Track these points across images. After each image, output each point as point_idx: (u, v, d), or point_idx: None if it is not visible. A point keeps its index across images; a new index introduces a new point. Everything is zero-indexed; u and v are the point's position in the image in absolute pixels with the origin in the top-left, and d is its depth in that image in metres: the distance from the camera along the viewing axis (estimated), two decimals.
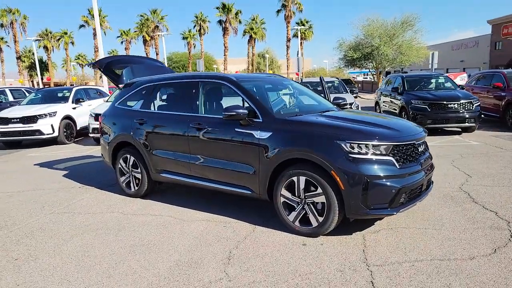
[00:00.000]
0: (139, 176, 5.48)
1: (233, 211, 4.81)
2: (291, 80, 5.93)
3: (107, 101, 12.64)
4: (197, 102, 4.86)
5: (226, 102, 5.35)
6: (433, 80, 12.26)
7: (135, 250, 3.80)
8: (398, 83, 12.27)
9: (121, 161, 5.67)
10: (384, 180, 3.58)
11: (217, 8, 51.78)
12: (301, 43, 48.89)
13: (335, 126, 3.93)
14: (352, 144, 3.64)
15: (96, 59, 7.02)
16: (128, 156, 5.55)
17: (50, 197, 5.83)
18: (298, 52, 42.09)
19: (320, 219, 3.81)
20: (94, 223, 4.63)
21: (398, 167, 3.66)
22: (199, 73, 5.30)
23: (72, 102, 12.63)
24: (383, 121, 4.25)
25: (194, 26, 55.35)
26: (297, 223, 3.98)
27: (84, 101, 13.02)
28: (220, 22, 52.40)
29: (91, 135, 11.28)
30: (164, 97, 5.57)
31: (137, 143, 5.35)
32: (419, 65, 33.84)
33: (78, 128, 12.54)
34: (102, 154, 6.28)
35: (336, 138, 3.70)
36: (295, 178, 3.91)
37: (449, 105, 10.26)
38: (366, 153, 3.62)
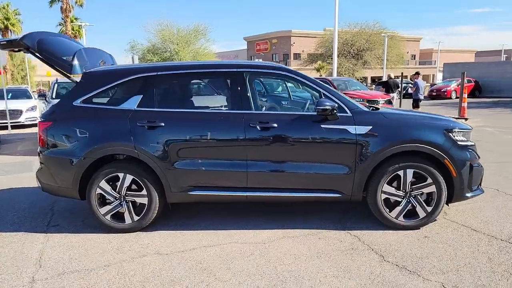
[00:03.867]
0: (143, 200, 3.96)
1: (288, 220, 4.18)
2: None
3: None
4: (249, 97, 3.95)
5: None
6: (281, 84, 13.52)
7: None
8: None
9: (103, 184, 3.93)
10: (477, 163, 3.95)
11: None
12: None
13: (436, 117, 4.06)
14: (456, 133, 3.85)
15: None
16: (121, 175, 3.91)
17: None
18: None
19: (429, 209, 3.84)
20: (154, 276, 3.11)
21: (476, 151, 4.10)
22: (239, 61, 4.29)
23: None
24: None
25: None
26: (401, 218, 3.87)
27: None
28: None
29: None
30: (182, 91, 4.19)
31: (145, 154, 3.85)
32: None
33: None
34: (40, 179, 4.16)
35: (444, 128, 3.84)
36: (401, 172, 3.80)
37: None
38: (465, 140, 3.91)
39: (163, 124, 3.86)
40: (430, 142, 3.75)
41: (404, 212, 3.86)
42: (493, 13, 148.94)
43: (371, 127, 3.79)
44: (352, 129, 3.79)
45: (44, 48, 4.11)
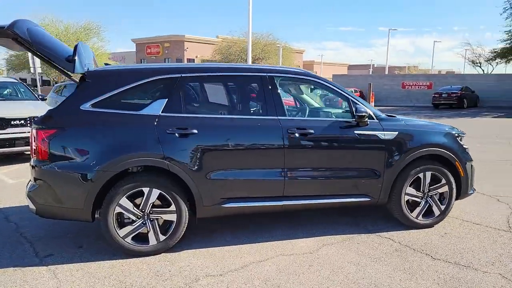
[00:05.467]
0: (171, 217, 3.51)
1: (309, 227, 4.15)
2: None
3: None
4: (282, 102, 3.81)
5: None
6: None
7: None
8: None
9: (124, 201, 3.37)
10: (473, 163, 4.46)
11: None
12: None
13: (441, 124, 4.41)
14: (460, 137, 4.30)
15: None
16: (146, 189, 3.41)
17: None
18: None
19: (442, 207, 4.20)
20: None
21: None
22: (266, 66, 4.05)
23: None
24: None
25: None
26: (420, 217, 4.15)
27: None
28: None
29: None
30: (210, 95, 3.79)
31: (176, 165, 3.42)
32: None
33: None
34: (35, 200, 3.38)
35: (454, 133, 4.24)
36: (421, 175, 4.08)
37: None
38: (464, 144, 4.37)
39: (195, 131, 3.49)
40: (446, 146, 4.10)
41: (423, 211, 4.15)
42: (356, 32, 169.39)
43: (397, 133, 3.99)
44: (381, 134, 3.94)
45: (36, 39, 3.38)
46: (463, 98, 25.95)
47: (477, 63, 39.16)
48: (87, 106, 3.42)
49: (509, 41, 28.66)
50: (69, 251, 3.61)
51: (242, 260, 3.43)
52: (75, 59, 3.45)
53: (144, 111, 3.50)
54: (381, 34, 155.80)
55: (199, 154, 3.49)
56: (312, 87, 4.68)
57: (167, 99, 3.55)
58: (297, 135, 3.70)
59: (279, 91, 3.83)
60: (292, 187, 3.77)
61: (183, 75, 3.65)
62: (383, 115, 4.09)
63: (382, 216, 4.49)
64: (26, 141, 7.74)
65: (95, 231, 4.02)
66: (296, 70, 4.14)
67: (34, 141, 3.35)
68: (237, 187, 3.65)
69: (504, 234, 4.02)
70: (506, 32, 28.49)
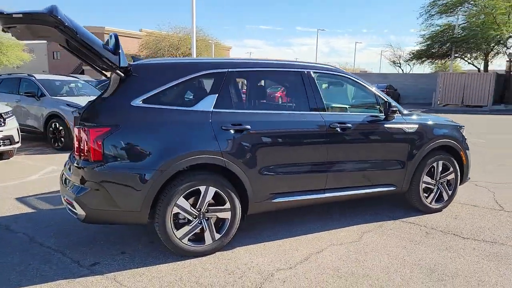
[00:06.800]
0: (225, 215, 3.46)
1: (335, 217, 4.35)
2: None
3: None
4: (321, 98, 3.93)
5: None
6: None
7: None
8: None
9: (181, 201, 3.26)
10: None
11: None
12: None
13: (447, 118, 4.86)
14: (462, 129, 4.80)
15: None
16: (203, 188, 3.33)
17: None
18: None
19: (450, 193, 4.66)
20: None
21: None
22: (304, 62, 4.08)
23: None
24: None
25: None
26: (433, 203, 4.57)
27: None
28: None
29: None
30: (257, 90, 3.74)
31: (233, 162, 3.39)
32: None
33: None
34: (86, 204, 3.11)
35: (458, 126, 4.73)
36: (435, 164, 4.49)
37: None
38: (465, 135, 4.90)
39: (249, 127, 3.48)
40: (454, 137, 4.57)
41: (435, 197, 4.57)
42: (275, 31, 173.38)
43: (417, 126, 4.34)
44: (405, 128, 4.26)
45: (78, 28, 3.10)
46: (388, 95, 28.16)
47: (397, 63, 42.82)
48: (137, 102, 3.23)
49: (424, 44, 31.71)
50: (114, 257, 3.38)
51: (299, 252, 3.50)
52: (119, 52, 3.24)
53: (197, 107, 3.40)
54: (299, 33, 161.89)
55: (252, 150, 3.49)
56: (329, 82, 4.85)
57: (217, 95, 3.48)
58: (338, 129, 3.86)
59: (318, 86, 3.95)
60: (333, 179, 3.92)
61: (230, 70, 3.59)
62: (405, 110, 4.42)
63: (396, 203, 4.84)
64: None
65: (130, 234, 3.81)
66: (330, 67, 4.29)
67: (82, 140, 3.08)
68: (286, 182, 3.71)
69: (502, 213, 4.59)
70: (421, 36, 31.51)
